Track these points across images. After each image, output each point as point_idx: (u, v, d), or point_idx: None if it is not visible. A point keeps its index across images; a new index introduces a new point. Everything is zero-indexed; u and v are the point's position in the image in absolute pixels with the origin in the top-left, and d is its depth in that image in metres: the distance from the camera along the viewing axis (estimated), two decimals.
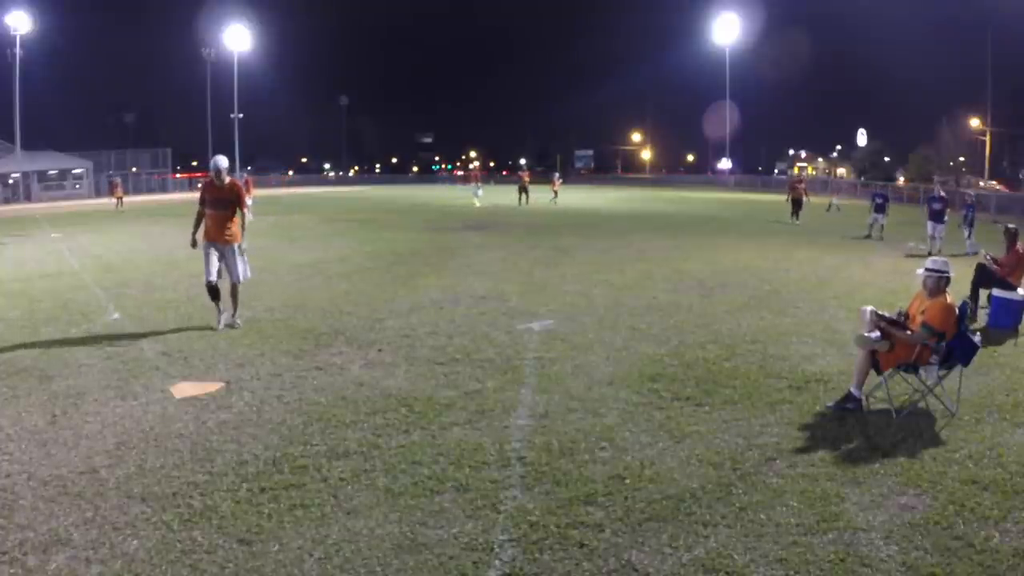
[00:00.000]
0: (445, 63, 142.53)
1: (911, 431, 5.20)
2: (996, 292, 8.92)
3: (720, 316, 9.05)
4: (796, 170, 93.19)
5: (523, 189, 35.96)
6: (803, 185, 26.13)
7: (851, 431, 5.20)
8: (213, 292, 8.35)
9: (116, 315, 9.22)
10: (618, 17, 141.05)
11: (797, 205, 24.72)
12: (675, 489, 4.26)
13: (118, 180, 41.38)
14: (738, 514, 3.96)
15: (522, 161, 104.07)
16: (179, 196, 52.75)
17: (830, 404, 5.68)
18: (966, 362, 5.61)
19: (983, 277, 9.43)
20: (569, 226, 23.86)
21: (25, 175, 51.64)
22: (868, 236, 19.60)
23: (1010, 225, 10.24)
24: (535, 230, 22.16)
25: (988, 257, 9.84)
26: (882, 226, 19.72)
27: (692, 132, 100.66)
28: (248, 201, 25.34)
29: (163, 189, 59.22)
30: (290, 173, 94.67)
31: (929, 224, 16.92)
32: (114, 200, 35.23)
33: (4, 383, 6.28)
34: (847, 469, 4.55)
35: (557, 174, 44.89)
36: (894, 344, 5.61)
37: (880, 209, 19.87)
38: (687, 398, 5.87)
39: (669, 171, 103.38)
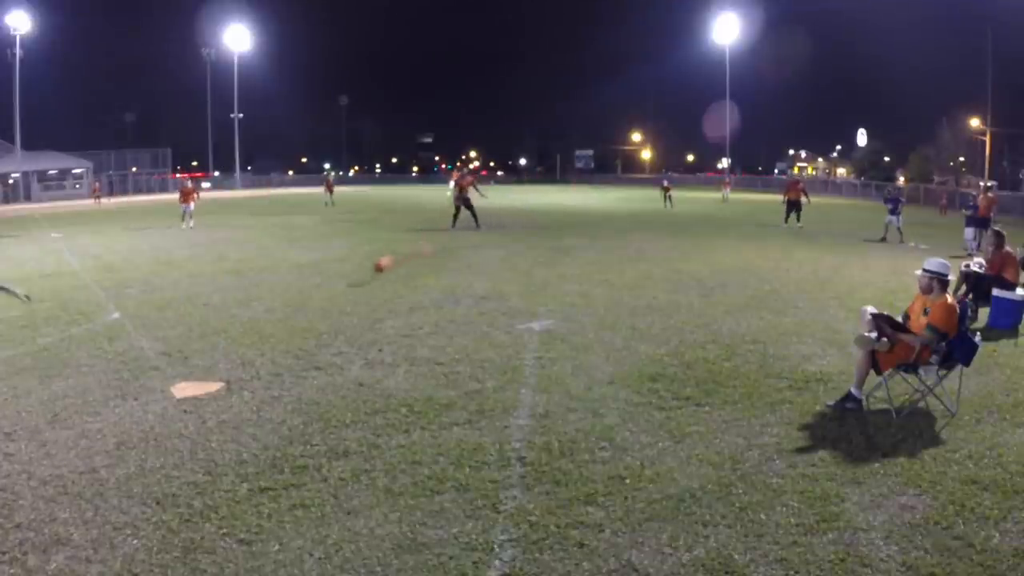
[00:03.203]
0: (445, 63, 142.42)
1: (911, 431, 5.20)
2: (996, 292, 8.90)
3: (720, 316, 9.04)
4: (796, 170, 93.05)
5: (461, 200, 21.97)
6: (802, 186, 25.02)
7: (851, 431, 5.20)
8: None
9: (116, 315, 9.22)
10: (618, 17, 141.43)
11: (794, 207, 23.57)
12: (675, 489, 4.25)
13: (97, 184, 47.63)
14: (738, 514, 3.96)
15: (516, 160, 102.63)
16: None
17: (830, 403, 5.68)
18: (967, 362, 5.61)
19: (977, 285, 9.34)
20: (569, 226, 23.87)
21: (25, 175, 51.60)
22: (883, 239, 19.06)
23: (996, 227, 10.29)
24: (535, 230, 22.16)
25: (977, 263, 9.85)
26: (898, 228, 19.38)
27: (692, 132, 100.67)
28: (190, 207, 23.19)
29: (163, 189, 59.15)
30: (290, 173, 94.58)
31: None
32: (93, 200, 37.21)
33: (4, 383, 6.27)
34: (847, 469, 4.54)
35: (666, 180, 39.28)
36: (894, 344, 5.61)
37: (893, 211, 19.59)
38: (687, 398, 5.87)
39: (669, 171, 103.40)
